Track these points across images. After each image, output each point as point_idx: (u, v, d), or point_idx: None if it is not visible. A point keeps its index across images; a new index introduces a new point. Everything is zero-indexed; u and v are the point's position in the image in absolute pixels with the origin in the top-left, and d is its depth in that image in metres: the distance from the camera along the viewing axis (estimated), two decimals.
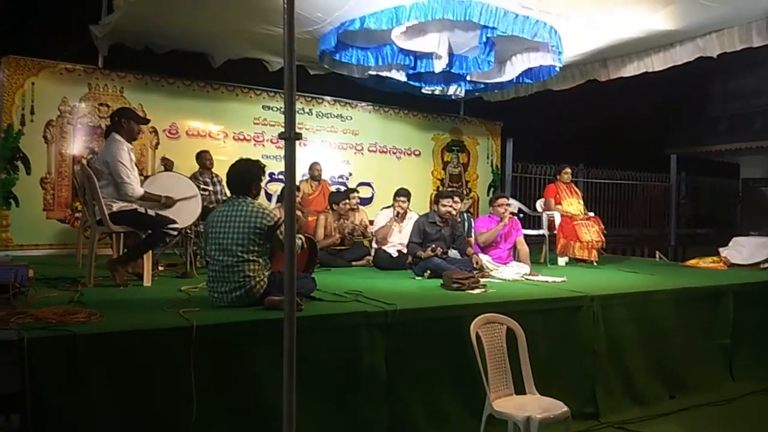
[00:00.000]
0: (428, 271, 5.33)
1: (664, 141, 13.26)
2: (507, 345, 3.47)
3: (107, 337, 2.89)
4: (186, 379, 2.89)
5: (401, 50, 5.60)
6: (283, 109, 2.26)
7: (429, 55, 5.71)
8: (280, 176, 7.64)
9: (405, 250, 5.96)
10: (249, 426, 3.09)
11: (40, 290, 3.93)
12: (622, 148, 13.18)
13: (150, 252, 4.55)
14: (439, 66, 5.65)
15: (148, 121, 5.65)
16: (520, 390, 3.44)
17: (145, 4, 5.29)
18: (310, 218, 6.69)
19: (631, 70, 6.77)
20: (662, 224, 12.65)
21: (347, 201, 6.54)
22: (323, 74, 7.57)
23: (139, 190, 4.53)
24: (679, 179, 13.03)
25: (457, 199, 5.96)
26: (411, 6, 4.99)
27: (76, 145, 6.67)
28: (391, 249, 6.26)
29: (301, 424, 2.20)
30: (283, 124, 2.20)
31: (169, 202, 4.75)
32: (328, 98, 8.26)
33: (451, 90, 6.96)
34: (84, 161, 6.24)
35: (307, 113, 8.12)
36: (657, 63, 6.46)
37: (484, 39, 5.25)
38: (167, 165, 6.21)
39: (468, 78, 6.46)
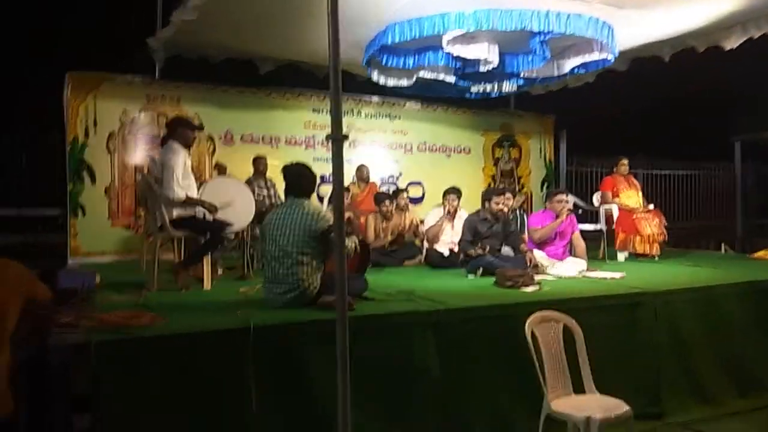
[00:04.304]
0: (481, 269, 5.27)
1: (728, 128, 12.65)
2: (564, 343, 3.39)
3: (170, 339, 3.00)
4: (245, 379, 2.96)
5: (450, 54, 5.55)
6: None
7: (476, 61, 5.64)
8: (332, 178, 7.70)
9: (456, 249, 5.93)
10: (305, 423, 3.14)
11: (107, 295, 4.11)
12: (683, 137, 12.67)
13: (209, 256, 4.69)
14: (485, 66, 5.57)
15: (202, 128, 5.81)
16: (579, 389, 3.36)
17: (198, 20, 5.43)
18: (361, 219, 6.74)
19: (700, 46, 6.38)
20: (728, 215, 12.09)
21: (386, 203, 6.53)
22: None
23: (180, 195, 4.57)
24: (745, 168, 12.42)
25: (509, 195, 5.87)
26: (457, 14, 4.93)
27: (138, 154, 6.94)
28: (443, 248, 6.23)
29: (355, 421, 2.22)
30: None
31: (211, 208, 4.77)
32: (375, 98, 8.29)
33: (504, 87, 6.84)
34: (145, 170, 6.48)
35: (356, 114, 8.18)
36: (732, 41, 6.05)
37: (538, 41, 5.15)
38: (220, 170, 6.38)
39: (520, 75, 6.34)
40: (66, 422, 2.85)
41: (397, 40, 5.05)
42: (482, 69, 5.61)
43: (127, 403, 2.81)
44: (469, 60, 5.48)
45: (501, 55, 5.53)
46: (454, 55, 5.30)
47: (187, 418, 2.92)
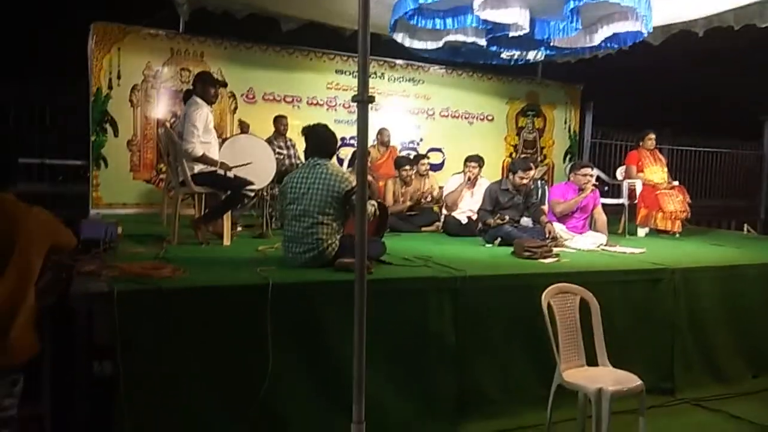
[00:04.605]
0: (499, 239, 5.25)
1: (759, 106, 12.32)
2: (580, 316, 3.39)
3: (191, 291, 3.05)
4: (263, 334, 3.01)
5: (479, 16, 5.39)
6: (356, 73, 2.25)
7: (507, 26, 5.49)
8: (352, 141, 7.66)
9: (475, 217, 5.90)
10: (321, 382, 3.20)
11: (128, 246, 4.17)
12: (711, 114, 12.38)
13: (229, 212, 4.72)
14: (516, 31, 5.43)
15: (225, 84, 5.77)
16: (592, 362, 3.37)
17: None
18: (380, 183, 6.72)
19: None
20: (752, 196, 11.88)
21: (406, 168, 6.49)
22: None
23: (198, 151, 4.61)
24: None
25: (531, 165, 5.80)
26: None
27: (160, 108, 6.93)
28: (461, 215, 6.21)
29: (370, 383, 2.25)
30: (355, 89, 2.19)
31: (224, 168, 4.77)
32: (400, 62, 8.15)
33: (531, 55, 6.67)
34: (168, 124, 6.49)
35: (379, 77, 8.06)
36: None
37: (571, 6, 4.99)
38: (243, 128, 6.37)
39: (550, 43, 6.17)
40: (87, 369, 2.92)
41: (427, 0, 4.92)
42: (512, 33, 5.46)
43: (147, 353, 2.87)
44: (499, 23, 5.33)
45: (532, 20, 5.38)
46: (485, 18, 5.16)
47: (205, 369, 2.99)
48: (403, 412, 3.36)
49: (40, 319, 2.76)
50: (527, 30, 5.33)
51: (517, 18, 5.13)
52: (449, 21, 5.56)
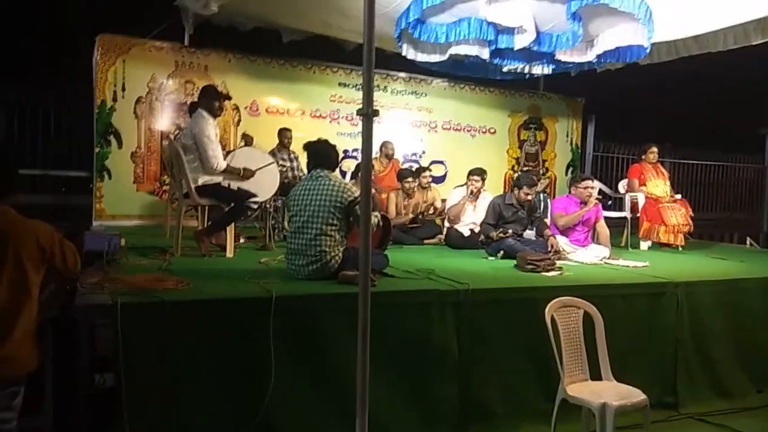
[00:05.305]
0: (501, 252, 5.25)
1: (760, 120, 12.37)
2: (584, 330, 3.38)
3: (194, 304, 3.05)
4: (265, 347, 3.00)
5: (482, 24, 5.41)
6: (359, 86, 2.27)
7: (511, 31, 5.51)
8: (354, 153, 7.70)
9: (478, 230, 5.90)
10: (323, 394, 3.18)
11: (131, 258, 4.17)
12: (712, 127, 12.41)
13: (233, 225, 4.74)
14: (520, 42, 5.44)
15: (230, 97, 5.83)
16: (596, 376, 3.36)
17: None
18: (383, 195, 6.73)
19: (727, 43, 6.26)
20: (754, 209, 11.88)
21: (409, 180, 6.51)
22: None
23: (222, 165, 4.72)
24: None
25: (536, 180, 5.81)
26: None
27: (164, 121, 6.97)
28: (464, 228, 6.21)
29: (373, 395, 2.24)
30: (358, 102, 2.20)
31: (248, 174, 4.90)
32: (402, 75, 8.20)
33: (535, 69, 6.69)
34: (172, 137, 6.53)
35: (382, 90, 8.10)
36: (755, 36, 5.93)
37: (573, 9, 5.00)
38: (247, 141, 6.40)
39: (553, 57, 6.19)
40: (89, 381, 2.92)
41: (431, 3, 4.94)
42: (517, 43, 5.47)
43: (149, 365, 2.87)
44: (504, 30, 5.34)
45: (536, 33, 5.40)
46: (490, 20, 5.17)
47: (208, 382, 2.98)
48: (405, 424, 3.34)
49: (43, 331, 2.76)
50: (533, 37, 5.33)
51: (520, 19, 5.12)
52: (453, 32, 5.58)
